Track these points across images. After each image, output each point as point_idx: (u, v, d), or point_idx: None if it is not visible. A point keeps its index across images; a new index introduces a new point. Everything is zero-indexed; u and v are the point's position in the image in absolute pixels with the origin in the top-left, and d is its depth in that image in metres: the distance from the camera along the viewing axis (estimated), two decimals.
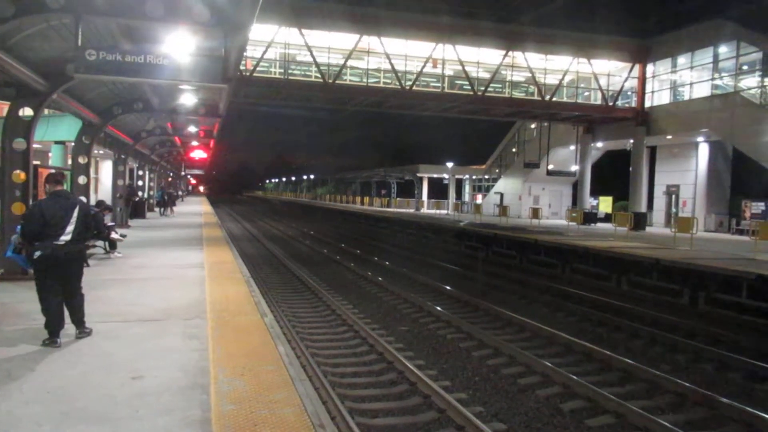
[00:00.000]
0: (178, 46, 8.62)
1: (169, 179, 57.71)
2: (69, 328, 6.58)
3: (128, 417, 4.42)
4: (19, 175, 10.01)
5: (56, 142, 20.71)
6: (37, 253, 6.21)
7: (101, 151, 23.44)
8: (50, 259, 6.24)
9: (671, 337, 10.94)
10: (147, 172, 35.76)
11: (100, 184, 28.07)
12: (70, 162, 18.44)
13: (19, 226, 6.85)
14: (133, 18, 8.09)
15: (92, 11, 7.81)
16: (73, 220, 6.41)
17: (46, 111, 14.08)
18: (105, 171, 28.30)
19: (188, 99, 15.91)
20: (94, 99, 15.54)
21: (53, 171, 8.25)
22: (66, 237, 6.33)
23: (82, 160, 16.36)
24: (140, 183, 33.19)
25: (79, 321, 6.58)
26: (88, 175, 16.62)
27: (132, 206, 26.78)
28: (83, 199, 7.23)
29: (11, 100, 10.47)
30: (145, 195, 33.48)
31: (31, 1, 7.43)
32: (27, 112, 10.41)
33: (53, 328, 6.26)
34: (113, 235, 14.31)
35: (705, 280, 14.02)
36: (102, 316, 7.62)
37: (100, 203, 15.12)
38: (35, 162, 11.06)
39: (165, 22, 8.10)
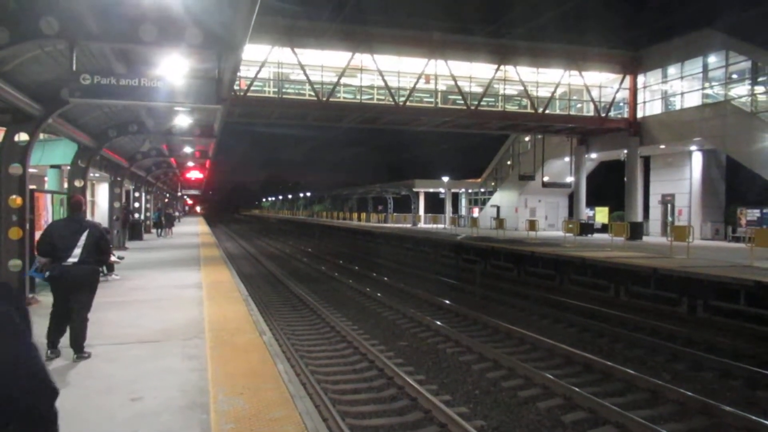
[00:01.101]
0: (172, 69, 8.70)
1: (166, 200, 57.68)
2: (69, 352, 6.59)
3: None
4: (16, 200, 10.02)
5: (52, 166, 20.70)
6: (47, 273, 6.64)
7: (97, 174, 23.45)
8: (58, 279, 6.61)
9: (671, 346, 10.94)
10: (143, 194, 35.76)
11: (97, 206, 28.03)
12: (66, 185, 18.46)
13: None
14: (127, 42, 8.15)
15: (86, 36, 7.87)
16: (81, 243, 6.65)
17: (41, 135, 14.13)
18: (101, 193, 28.28)
19: (183, 120, 15.98)
20: (89, 122, 15.60)
21: (72, 196, 8.35)
22: (73, 259, 6.59)
23: (78, 183, 16.39)
24: (137, 205, 33.18)
25: (78, 346, 6.62)
26: (84, 199, 16.62)
27: (129, 228, 26.76)
28: (97, 223, 7.34)
29: (6, 125, 10.51)
30: (142, 216, 33.46)
31: (26, 27, 7.49)
32: (22, 137, 10.45)
33: (50, 339, 6.63)
34: (110, 258, 14.29)
35: (703, 288, 14.05)
36: (101, 338, 7.61)
37: None
38: (31, 186, 11.07)
39: (158, 46, 8.16)
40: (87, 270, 6.74)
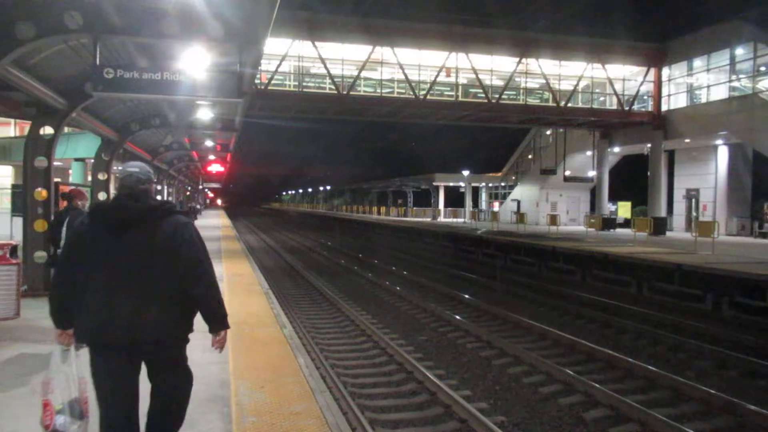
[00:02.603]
0: (194, 63, 8.74)
1: (187, 193, 58.26)
2: None
3: None
4: (41, 192, 10.17)
5: (76, 160, 21.04)
6: None
7: (120, 167, 23.78)
8: (51, 266, 7.09)
9: (695, 343, 10.78)
10: (165, 187, 36.14)
11: None
12: (89, 178, 18.70)
13: None
14: (149, 36, 8.21)
15: (110, 31, 7.94)
16: (63, 233, 6.90)
17: (66, 129, 14.33)
18: None
19: (205, 114, 16.08)
20: (113, 116, 15.78)
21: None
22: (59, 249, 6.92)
23: (101, 176, 16.60)
24: (159, 198, 33.53)
25: None
26: (108, 191, 16.85)
27: None
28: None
29: (32, 119, 10.68)
30: None
31: (51, 22, 7.57)
32: (48, 130, 10.60)
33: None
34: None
35: (728, 285, 13.81)
36: None
37: None
38: (56, 179, 11.23)
39: (180, 40, 8.21)
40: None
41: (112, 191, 24.51)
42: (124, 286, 3.18)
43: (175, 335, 3.51)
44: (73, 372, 3.51)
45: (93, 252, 3.24)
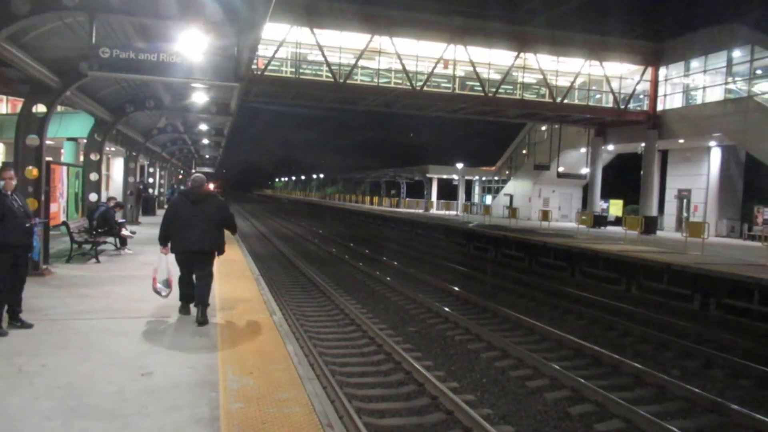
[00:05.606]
0: (191, 45, 8.66)
1: (180, 177, 57.93)
2: (83, 325, 6.60)
3: (137, 413, 4.44)
4: (32, 171, 10.08)
5: (68, 139, 20.87)
6: None
7: (113, 148, 23.60)
8: None
9: (681, 343, 10.87)
10: (158, 170, 35.91)
11: (112, 180, 28.25)
12: (82, 159, 18.57)
13: None
14: (147, 16, 8.13)
15: (106, 9, 7.86)
16: None
17: (59, 108, 14.19)
18: (116, 168, 28.51)
19: (200, 97, 15.94)
20: (107, 96, 15.65)
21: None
22: None
23: (94, 156, 16.50)
24: (151, 180, 33.35)
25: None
26: (99, 172, 16.76)
27: (142, 203, 26.92)
28: None
29: (25, 96, 10.55)
30: (156, 192, 33.64)
31: None
32: (40, 108, 10.48)
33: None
34: (123, 232, 14.40)
35: (716, 286, 13.92)
36: (111, 312, 7.69)
37: (110, 200, 15.23)
38: (48, 158, 11.12)
39: (178, 21, 8.13)
40: None
41: (104, 172, 24.41)
42: (196, 227, 7.26)
43: (217, 246, 7.53)
44: (167, 265, 7.58)
45: (182, 212, 7.35)
